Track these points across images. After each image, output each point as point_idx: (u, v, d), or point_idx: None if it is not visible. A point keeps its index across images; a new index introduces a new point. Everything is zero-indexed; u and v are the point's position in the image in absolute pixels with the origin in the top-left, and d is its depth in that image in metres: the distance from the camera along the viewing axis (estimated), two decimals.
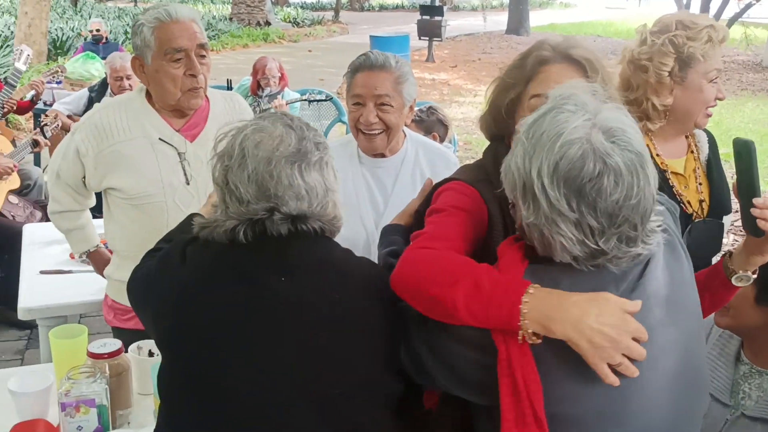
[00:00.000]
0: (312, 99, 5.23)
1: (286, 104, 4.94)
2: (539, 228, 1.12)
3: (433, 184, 1.58)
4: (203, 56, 2.01)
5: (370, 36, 11.05)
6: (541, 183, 1.10)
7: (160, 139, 2.06)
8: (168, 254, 1.37)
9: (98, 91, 4.89)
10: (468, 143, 7.89)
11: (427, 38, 14.11)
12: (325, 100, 5.28)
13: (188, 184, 2.09)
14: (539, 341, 1.12)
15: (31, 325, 3.70)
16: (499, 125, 1.50)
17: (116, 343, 1.72)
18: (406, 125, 2.24)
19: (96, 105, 2.10)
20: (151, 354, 1.86)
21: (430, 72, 13.13)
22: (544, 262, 1.18)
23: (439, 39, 14.24)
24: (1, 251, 3.85)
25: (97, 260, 2.30)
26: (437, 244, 1.28)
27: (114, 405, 1.66)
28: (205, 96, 2.11)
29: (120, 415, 1.69)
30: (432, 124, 3.61)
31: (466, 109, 10.12)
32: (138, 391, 1.81)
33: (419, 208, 1.57)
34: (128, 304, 1.53)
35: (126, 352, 1.79)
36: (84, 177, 2.11)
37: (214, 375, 1.23)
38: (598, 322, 1.09)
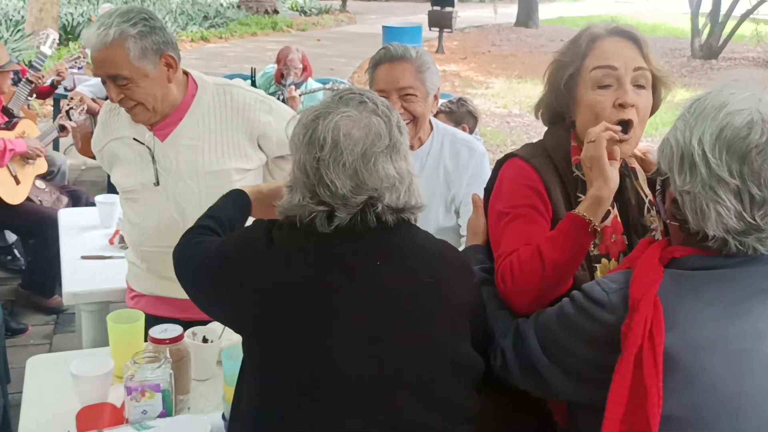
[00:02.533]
0: (333, 88, 5.22)
1: (300, 95, 4.93)
2: (695, 197, 1.13)
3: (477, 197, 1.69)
4: (122, 85, 1.87)
5: (383, 26, 11.01)
6: (701, 150, 1.12)
7: (134, 138, 2.03)
8: (249, 237, 1.36)
9: None
10: (482, 135, 7.86)
11: (438, 29, 14.06)
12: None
13: (157, 184, 2.03)
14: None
15: (58, 311, 3.72)
16: (560, 102, 1.58)
17: (177, 329, 1.72)
18: (434, 116, 2.25)
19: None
20: (205, 340, 1.87)
21: (441, 63, 13.07)
22: (682, 267, 1.18)
23: (450, 30, 14.20)
24: (30, 237, 3.86)
25: None
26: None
27: (175, 390, 1.67)
28: (192, 90, 2.01)
29: (180, 400, 1.70)
30: (462, 115, 3.61)
31: (478, 101, 10.09)
32: (194, 377, 1.81)
33: (488, 186, 1.65)
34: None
35: None
36: None
37: (312, 357, 1.23)
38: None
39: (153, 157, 2.03)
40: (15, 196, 3.60)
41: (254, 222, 1.43)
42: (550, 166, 1.55)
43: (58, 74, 4.60)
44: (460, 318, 1.32)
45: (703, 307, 1.14)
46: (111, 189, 4.68)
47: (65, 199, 3.90)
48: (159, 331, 1.71)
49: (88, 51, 5.66)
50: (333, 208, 1.25)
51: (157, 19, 1.92)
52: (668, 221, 1.24)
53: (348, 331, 1.24)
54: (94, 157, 4.97)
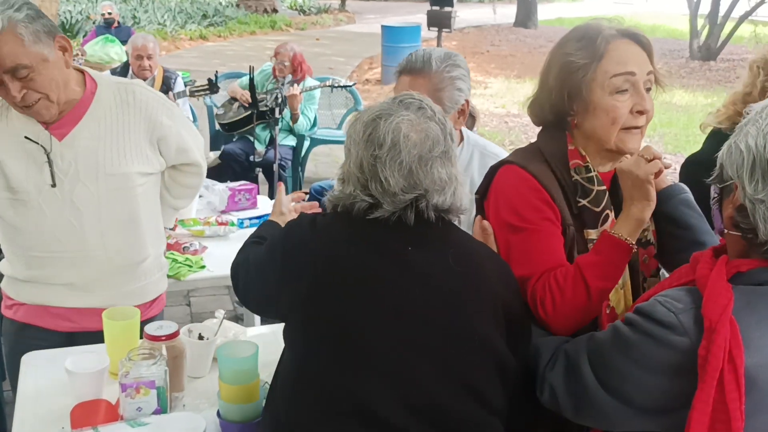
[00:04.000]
0: (335, 85, 5.21)
1: (301, 92, 4.92)
2: None
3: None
4: (24, 77, 1.77)
5: (382, 26, 10.99)
6: None
7: (25, 137, 1.90)
8: (295, 226, 1.44)
9: (120, 73, 4.88)
10: (480, 134, 7.86)
11: (437, 29, 14.04)
12: (348, 86, 5.27)
13: (54, 186, 1.92)
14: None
15: None
16: (567, 104, 1.53)
17: (172, 326, 1.72)
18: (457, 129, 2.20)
19: None
20: (201, 337, 1.86)
21: None
22: (749, 282, 1.15)
23: (449, 30, 14.15)
24: None
25: None
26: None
27: (170, 388, 1.67)
28: (91, 91, 1.94)
29: (175, 398, 1.69)
30: None
31: (477, 101, 10.09)
32: (189, 374, 1.81)
33: (478, 190, 1.64)
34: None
35: None
36: None
37: (351, 334, 1.30)
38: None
39: (49, 158, 1.91)
40: None
41: (298, 218, 1.50)
42: (549, 172, 1.53)
43: None
44: (494, 310, 1.34)
45: None
46: None
47: None
48: (155, 327, 1.71)
49: (86, 49, 5.69)
50: (379, 202, 1.33)
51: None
52: (727, 231, 1.20)
53: (376, 307, 1.30)
54: None
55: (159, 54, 4.93)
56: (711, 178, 1.23)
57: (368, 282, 1.32)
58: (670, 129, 8.69)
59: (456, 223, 1.44)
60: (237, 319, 3.64)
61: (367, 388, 1.26)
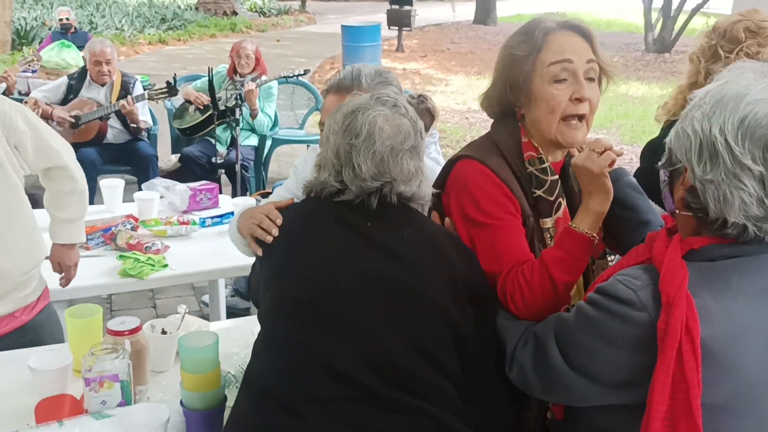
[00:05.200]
0: (287, 75, 5.23)
1: (257, 86, 4.95)
2: (718, 185, 1.15)
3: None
4: None
5: (342, 25, 11.02)
6: (723, 139, 1.14)
7: None
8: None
9: (78, 78, 4.85)
10: (442, 131, 7.95)
11: (397, 28, 14.14)
12: (301, 75, 5.28)
13: None
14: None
15: None
16: (512, 96, 1.60)
17: (135, 321, 1.75)
18: None
19: None
20: (164, 332, 1.90)
21: (401, 62, 13.18)
22: (703, 258, 1.20)
23: (409, 28, 14.27)
24: None
25: None
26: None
27: (134, 381, 1.70)
28: None
29: (140, 391, 1.73)
30: (420, 112, 3.60)
31: (438, 98, 10.18)
32: (153, 368, 1.84)
33: (436, 184, 1.65)
34: None
35: None
36: None
37: (316, 296, 1.41)
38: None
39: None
40: None
41: None
42: (505, 165, 1.58)
43: (6, 80, 4.54)
44: (452, 282, 1.42)
45: (734, 296, 1.16)
46: None
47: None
48: (117, 323, 1.73)
49: (42, 54, 5.63)
50: (347, 187, 1.46)
51: None
52: (678, 212, 1.25)
53: (338, 271, 1.42)
54: None
55: (117, 59, 4.91)
56: (660, 163, 1.29)
57: (331, 249, 1.44)
58: (627, 120, 8.88)
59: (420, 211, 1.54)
60: (204, 318, 3.66)
61: (327, 344, 1.35)
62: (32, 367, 1.68)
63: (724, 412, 1.17)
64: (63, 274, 2.32)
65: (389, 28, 14.23)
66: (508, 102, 1.62)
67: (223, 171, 5.05)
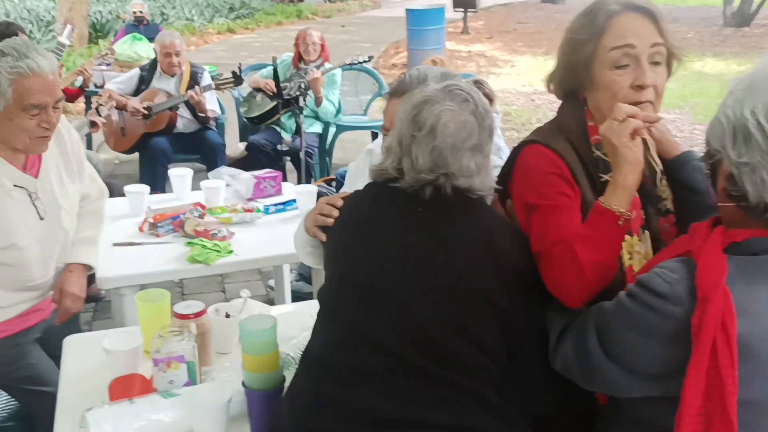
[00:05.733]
0: (352, 62, 5.26)
1: (322, 74, 5.01)
2: (754, 167, 1.15)
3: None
4: (58, 107, 2.02)
5: (406, 9, 10.97)
6: (756, 120, 1.14)
7: (15, 185, 2.05)
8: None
9: (149, 70, 5.03)
10: (507, 114, 7.88)
11: (462, 9, 14.00)
12: (365, 62, 5.31)
13: (42, 219, 2.10)
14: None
15: (96, 299, 3.88)
16: (575, 80, 1.57)
17: (199, 305, 1.83)
18: None
19: None
20: (227, 316, 1.97)
21: (466, 44, 13.07)
22: (744, 252, 1.19)
23: (474, 10, 14.13)
24: None
25: None
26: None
27: (199, 362, 1.78)
28: None
29: (205, 371, 1.81)
30: None
31: (504, 80, 10.08)
32: (217, 350, 1.93)
33: (502, 171, 1.65)
34: None
35: None
36: None
37: (364, 274, 1.49)
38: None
39: (31, 196, 2.08)
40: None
41: None
42: (570, 148, 1.55)
43: (82, 74, 4.73)
44: (500, 269, 1.43)
45: None
46: (143, 180, 4.85)
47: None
48: (183, 307, 1.82)
49: (115, 48, 5.84)
50: (402, 175, 1.50)
51: None
52: (723, 203, 1.24)
53: (387, 251, 1.48)
54: (125, 152, 5.15)
55: (186, 50, 5.06)
56: (701, 157, 1.28)
57: (382, 231, 1.50)
58: (702, 99, 8.56)
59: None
60: (270, 302, 3.77)
61: (373, 320, 1.42)
62: (106, 348, 1.78)
63: (761, 409, 1.16)
64: (59, 306, 2.21)
65: (454, 10, 14.12)
66: (569, 87, 1.60)
67: (289, 158, 5.16)
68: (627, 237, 1.50)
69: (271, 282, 3.73)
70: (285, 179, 5.23)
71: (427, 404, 1.34)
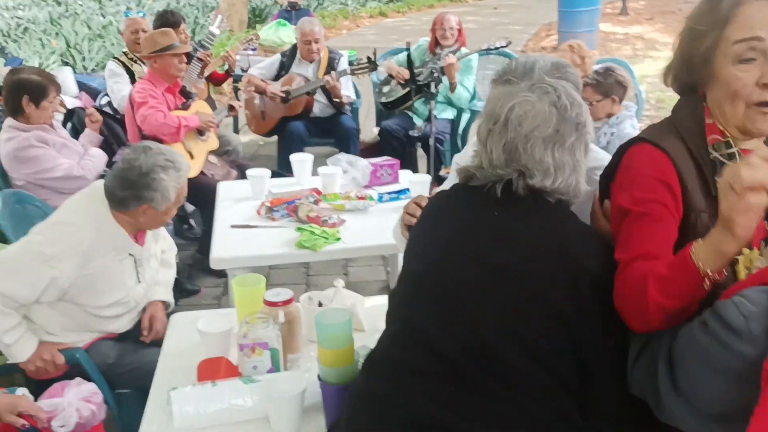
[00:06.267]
0: (488, 48, 5.12)
1: (458, 59, 4.92)
2: None
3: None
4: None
5: None
6: None
7: (129, 254, 2.32)
8: None
9: (289, 56, 5.18)
10: (661, 101, 7.38)
11: None
12: (502, 47, 5.15)
13: (139, 282, 2.37)
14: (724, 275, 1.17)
15: (226, 274, 4.07)
16: (692, 75, 1.42)
17: (288, 293, 1.86)
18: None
19: (79, 222, 2.24)
20: (320, 304, 1.99)
21: (623, 25, 12.37)
22: None
23: None
24: (202, 207, 4.26)
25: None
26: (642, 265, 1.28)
27: (285, 349, 1.82)
28: None
29: (291, 359, 1.84)
30: (610, 86, 3.46)
31: (662, 64, 9.39)
32: (307, 337, 1.95)
33: (606, 171, 1.53)
34: None
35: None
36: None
37: (427, 272, 1.46)
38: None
39: (136, 263, 2.35)
40: (189, 170, 3.98)
41: None
42: (683, 148, 1.40)
43: (227, 60, 4.95)
44: (574, 281, 1.32)
45: None
46: (281, 162, 5.03)
47: (234, 173, 4.25)
48: (272, 294, 1.86)
49: (260, 33, 6.08)
50: (476, 173, 1.46)
51: None
52: None
53: (454, 254, 1.43)
54: (264, 135, 5.36)
55: (325, 37, 5.16)
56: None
57: (449, 230, 1.47)
58: None
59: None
60: (387, 288, 3.79)
61: (428, 320, 1.39)
62: (200, 329, 1.85)
63: None
64: (150, 330, 2.46)
65: None
66: (684, 81, 1.45)
67: (420, 144, 5.15)
68: (745, 250, 1.31)
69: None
70: (416, 166, 5.25)
71: (471, 414, 1.28)
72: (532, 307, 1.32)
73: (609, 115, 3.53)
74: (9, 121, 3.32)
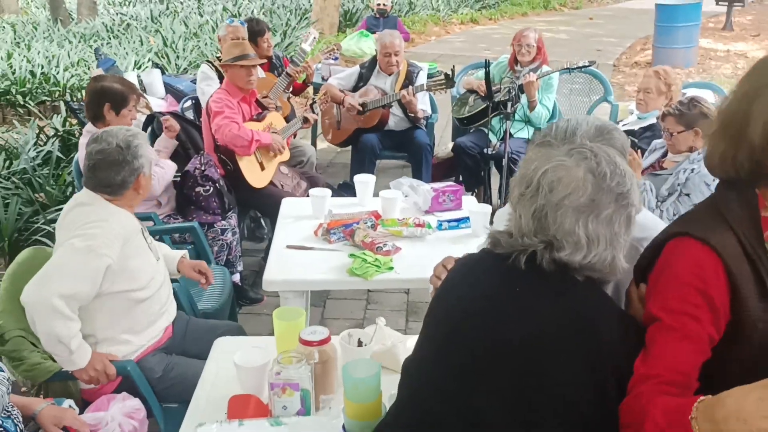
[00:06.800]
0: (570, 67, 4.95)
1: (538, 78, 4.79)
2: None
3: None
4: None
5: (656, 4, 10.16)
6: None
7: (141, 230, 2.45)
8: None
9: (368, 67, 5.18)
10: None
11: (726, 2, 12.65)
12: (585, 66, 4.96)
13: (157, 259, 2.50)
14: None
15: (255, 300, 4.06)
16: (741, 153, 1.23)
17: (324, 332, 1.84)
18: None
19: (101, 218, 2.32)
20: (359, 342, 1.96)
21: (725, 42, 11.79)
22: None
23: (741, 4, 12.71)
24: (271, 217, 4.31)
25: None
26: (661, 389, 1.17)
27: (318, 389, 1.79)
28: None
29: (323, 400, 1.81)
30: (693, 118, 3.26)
31: None
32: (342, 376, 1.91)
33: (641, 262, 1.40)
34: None
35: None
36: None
37: (440, 343, 1.41)
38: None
39: (146, 238, 2.45)
40: (259, 181, 4.04)
41: None
42: (735, 243, 1.22)
43: (306, 70, 5.00)
44: (594, 370, 1.24)
45: None
46: (353, 173, 5.03)
47: (304, 185, 4.27)
48: (308, 332, 1.84)
49: (342, 44, 6.11)
50: (500, 240, 1.38)
51: None
52: None
53: (468, 325, 1.36)
54: (339, 145, 5.39)
55: (404, 49, 5.12)
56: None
57: (467, 299, 1.40)
58: None
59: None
60: None
61: (433, 387, 1.35)
62: (235, 362, 1.85)
63: None
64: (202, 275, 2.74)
65: (717, 3, 12.80)
66: (748, 166, 1.24)
67: (494, 162, 5.04)
68: None
69: None
70: (489, 184, 5.15)
71: None
72: (545, 397, 1.24)
73: (691, 149, 3.34)
74: (89, 126, 3.44)
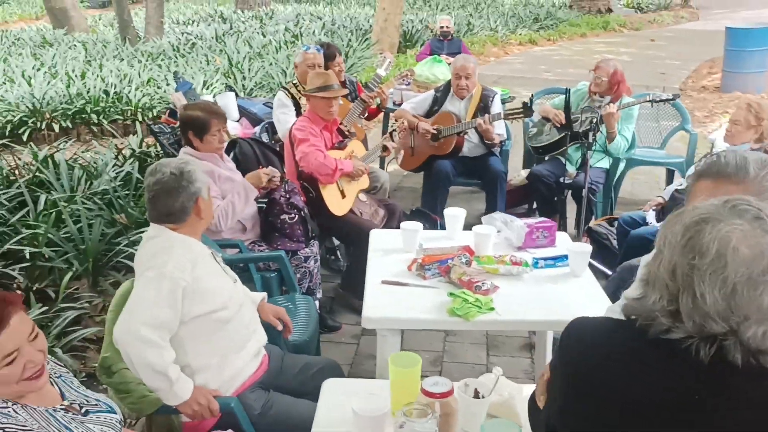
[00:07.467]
0: (654, 99, 4.84)
1: (618, 110, 4.70)
2: None
3: None
4: None
5: (726, 27, 9.93)
6: None
7: (211, 254, 2.49)
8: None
9: (443, 92, 5.17)
10: None
11: None
12: (669, 100, 4.86)
13: (234, 281, 2.54)
14: None
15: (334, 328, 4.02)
16: None
17: (447, 384, 1.80)
18: None
19: (167, 246, 2.36)
20: (476, 393, 1.91)
21: None
22: None
23: None
24: (348, 244, 4.31)
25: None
26: None
27: None
28: None
29: None
30: None
31: None
32: (463, 427, 1.87)
33: None
34: None
35: None
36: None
37: None
38: None
39: (216, 260, 2.49)
40: (340, 208, 4.04)
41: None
42: None
43: (380, 95, 5.01)
44: None
45: None
46: (425, 200, 5.00)
47: (381, 212, 4.26)
48: (431, 383, 1.80)
49: (416, 69, 6.11)
50: (681, 321, 1.18)
51: None
52: None
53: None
54: (412, 170, 5.37)
55: (477, 73, 5.09)
56: None
57: (631, 398, 1.21)
58: None
59: None
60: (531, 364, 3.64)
61: None
62: (354, 410, 1.82)
63: None
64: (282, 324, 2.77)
65: None
66: None
67: (571, 192, 4.96)
68: None
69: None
70: (564, 214, 5.06)
71: None
72: None
73: None
74: (185, 148, 3.53)
